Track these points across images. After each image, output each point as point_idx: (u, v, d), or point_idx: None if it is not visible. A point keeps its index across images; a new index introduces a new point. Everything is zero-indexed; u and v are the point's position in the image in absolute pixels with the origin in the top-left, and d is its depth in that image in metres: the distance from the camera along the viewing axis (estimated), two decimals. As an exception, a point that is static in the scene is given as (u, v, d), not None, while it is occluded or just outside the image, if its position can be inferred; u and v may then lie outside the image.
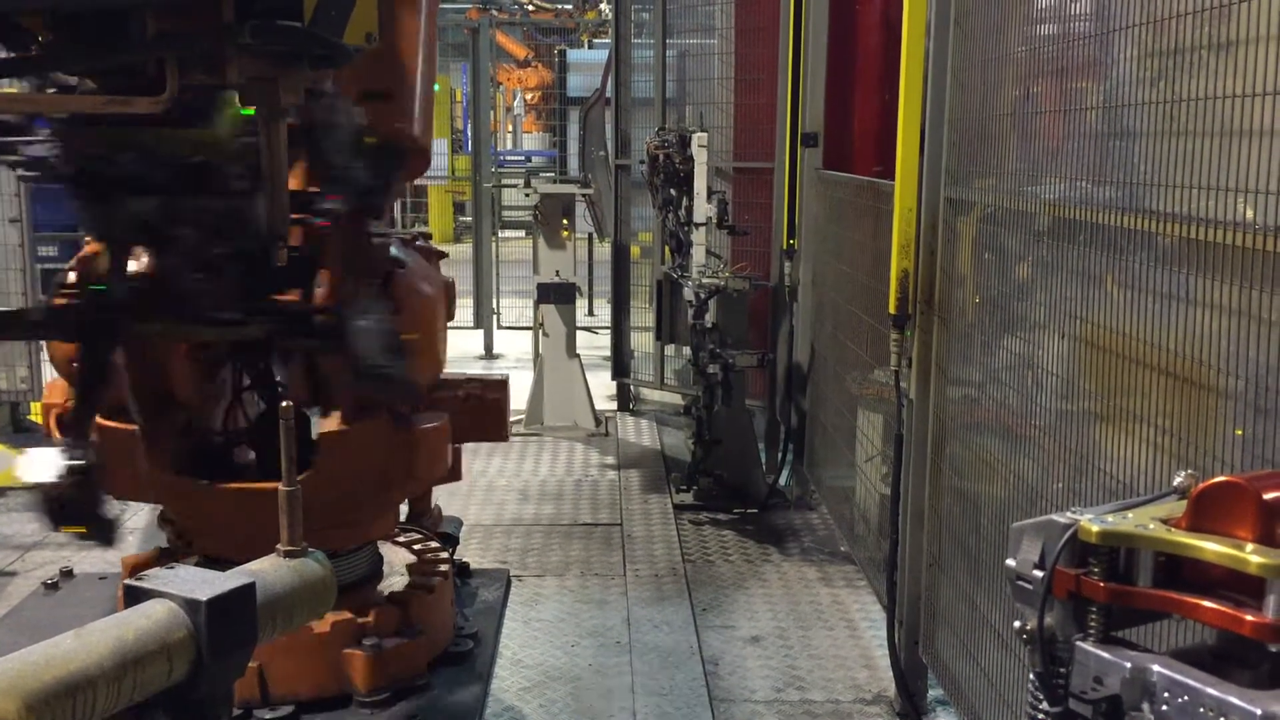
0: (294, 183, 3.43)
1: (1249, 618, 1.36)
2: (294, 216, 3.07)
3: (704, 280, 6.07)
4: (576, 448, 7.66)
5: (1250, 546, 1.39)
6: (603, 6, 18.50)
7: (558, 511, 6.33)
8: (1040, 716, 1.58)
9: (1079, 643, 1.52)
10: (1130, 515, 1.53)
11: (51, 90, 2.75)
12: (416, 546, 4.49)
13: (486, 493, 6.65)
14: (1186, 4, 2.44)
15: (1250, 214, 2.23)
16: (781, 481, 6.65)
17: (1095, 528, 1.50)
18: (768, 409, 7.05)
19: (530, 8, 21.79)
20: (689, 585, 5.24)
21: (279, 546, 2.45)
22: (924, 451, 4.05)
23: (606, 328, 9.58)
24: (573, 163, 13.89)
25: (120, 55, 2.43)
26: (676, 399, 8.16)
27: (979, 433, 3.71)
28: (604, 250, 9.78)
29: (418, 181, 12.72)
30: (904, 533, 4.16)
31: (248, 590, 2.16)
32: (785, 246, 6.47)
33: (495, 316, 11.47)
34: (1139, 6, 2.66)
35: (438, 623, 4.13)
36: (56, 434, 3.59)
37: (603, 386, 8.69)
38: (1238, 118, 2.25)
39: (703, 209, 6.25)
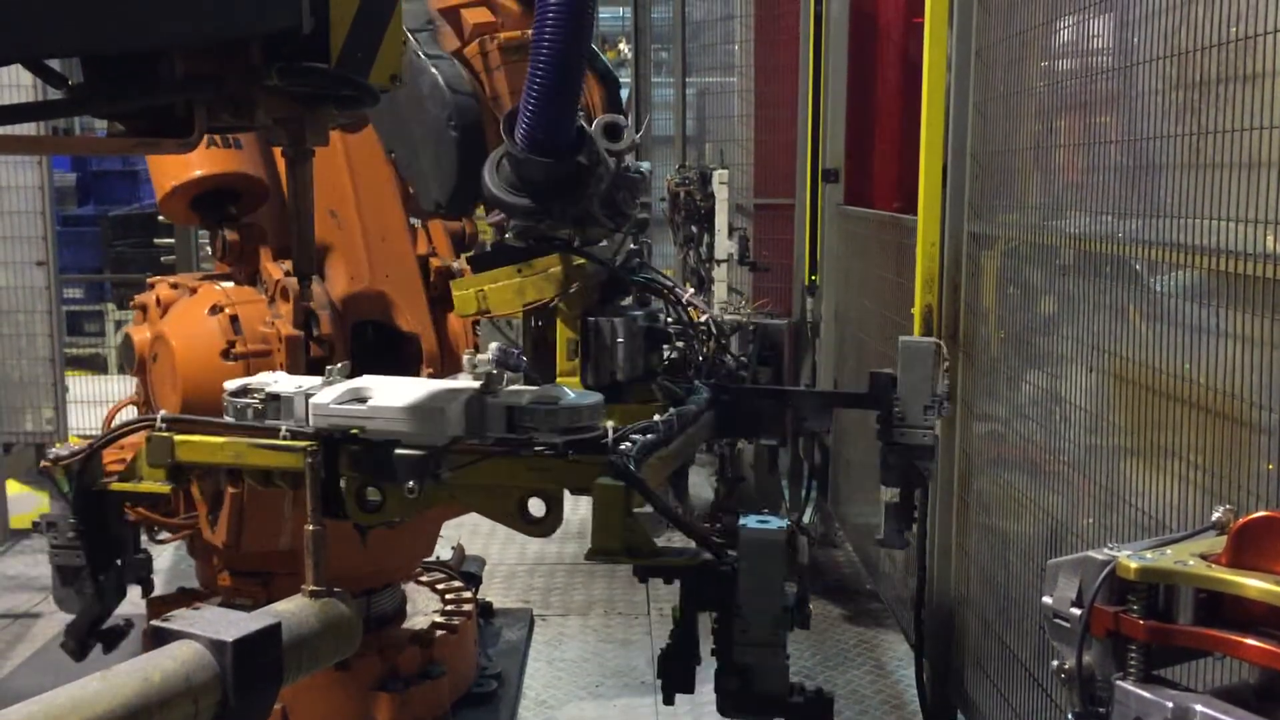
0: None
1: (1294, 656, 1.34)
2: None
3: (726, 317, 6.05)
4: (598, 485, 7.62)
5: (1293, 583, 1.36)
6: (622, 46, 18.62)
7: (580, 550, 6.29)
8: (1079, 757, 1.56)
9: (1119, 682, 1.49)
10: (1169, 551, 1.51)
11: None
12: (440, 586, 4.47)
13: (509, 532, 6.61)
14: (1210, 37, 2.43)
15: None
16: (805, 519, 6.60)
17: (1134, 564, 1.47)
18: (790, 445, 6.99)
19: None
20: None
21: (304, 586, 2.45)
22: (950, 487, 4.01)
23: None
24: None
25: (148, 98, 2.45)
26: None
27: (1006, 468, 3.67)
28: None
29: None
30: (931, 570, 4.11)
31: (273, 631, 2.15)
32: (807, 282, 6.45)
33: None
34: (1162, 40, 2.66)
35: (461, 663, 4.11)
36: None
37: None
38: (1263, 150, 2.23)
39: (724, 245, 6.25)
